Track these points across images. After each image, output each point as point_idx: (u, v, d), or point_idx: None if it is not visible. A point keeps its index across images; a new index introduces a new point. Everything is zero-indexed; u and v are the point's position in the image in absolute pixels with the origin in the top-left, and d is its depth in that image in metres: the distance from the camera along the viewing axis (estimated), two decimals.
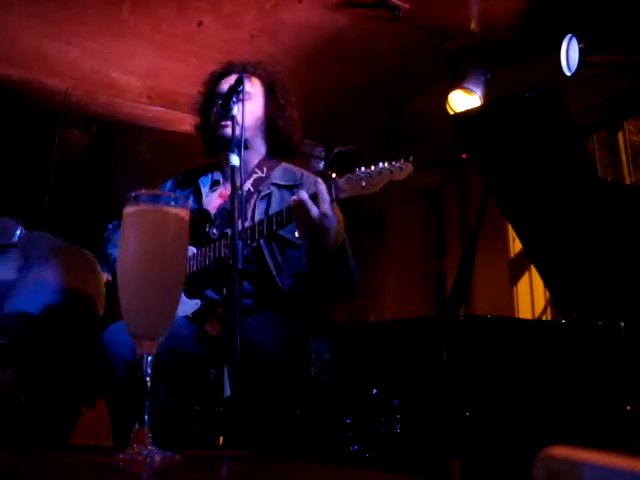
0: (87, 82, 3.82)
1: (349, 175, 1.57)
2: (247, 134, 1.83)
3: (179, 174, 2.06)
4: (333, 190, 1.56)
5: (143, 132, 4.33)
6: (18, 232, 2.69)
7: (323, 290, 1.76)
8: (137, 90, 3.94)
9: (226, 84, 1.83)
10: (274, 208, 1.82)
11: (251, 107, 1.88)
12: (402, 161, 1.54)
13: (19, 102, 3.88)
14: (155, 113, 4.17)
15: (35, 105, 3.94)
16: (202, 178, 1.98)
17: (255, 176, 1.92)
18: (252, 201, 1.87)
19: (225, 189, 1.91)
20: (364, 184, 1.54)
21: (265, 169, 1.93)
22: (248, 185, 1.90)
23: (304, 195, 1.53)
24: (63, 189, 3.77)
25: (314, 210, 1.52)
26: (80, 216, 3.59)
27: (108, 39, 3.42)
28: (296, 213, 1.55)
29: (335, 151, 3.90)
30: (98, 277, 2.44)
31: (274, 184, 1.90)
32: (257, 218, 1.81)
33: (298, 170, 1.98)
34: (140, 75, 3.80)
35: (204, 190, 1.94)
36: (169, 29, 3.32)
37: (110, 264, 1.96)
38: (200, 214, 1.87)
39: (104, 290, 2.43)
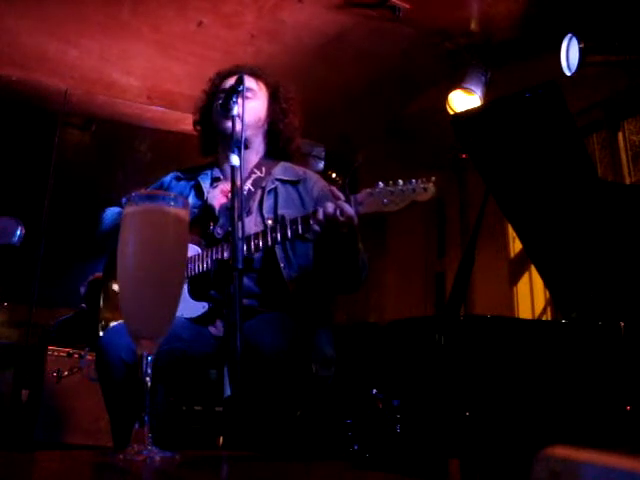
0: (87, 82, 3.82)
1: (369, 190, 1.58)
2: (248, 132, 1.83)
3: (178, 171, 2.06)
4: (353, 205, 1.57)
5: (143, 132, 4.34)
6: (18, 232, 2.69)
7: (333, 275, 1.77)
8: (137, 90, 3.94)
9: (230, 82, 1.84)
10: (281, 203, 1.84)
11: (254, 105, 1.88)
12: (424, 180, 1.55)
13: (19, 102, 3.89)
14: (154, 113, 4.17)
15: (35, 105, 3.94)
16: (202, 175, 1.98)
17: (254, 176, 1.93)
18: (256, 197, 1.88)
19: (225, 185, 1.92)
20: (385, 201, 1.55)
21: (264, 169, 1.94)
22: (248, 185, 1.90)
23: (329, 208, 1.57)
24: (63, 189, 3.77)
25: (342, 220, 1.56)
26: (80, 216, 3.59)
27: (108, 39, 3.42)
28: (329, 226, 1.58)
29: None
30: None
31: (278, 179, 1.91)
32: (265, 213, 1.82)
33: (299, 167, 1.99)
34: (140, 75, 3.80)
35: (205, 186, 1.94)
36: (169, 29, 3.32)
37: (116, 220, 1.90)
38: (204, 210, 1.87)
39: None
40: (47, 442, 2.84)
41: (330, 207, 1.57)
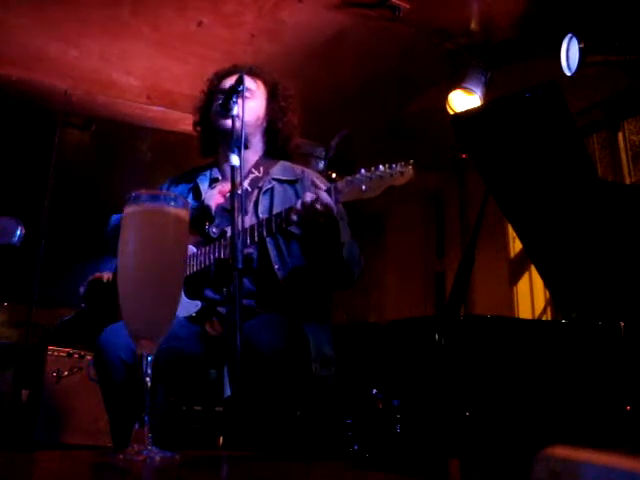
0: (87, 82, 3.82)
1: (349, 178, 1.57)
2: (247, 130, 1.83)
3: (174, 177, 2.07)
4: (333, 193, 1.56)
5: (143, 132, 4.33)
6: (18, 232, 2.69)
7: (320, 268, 1.76)
8: (137, 90, 3.94)
9: (229, 82, 1.84)
10: (277, 203, 1.83)
11: (253, 105, 1.88)
12: (402, 164, 1.54)
13: (19, 102, 3.88)
14: (155, 113, 4.17)
15: (35, 105, 3.93)
16: (200, 177, 1.99)
17: (252, 176, 1.93)
18: (252, 197, 1.88)
19: (223, 186, 1.92)
20: (364, 188, 1.54)
21: (262, 169, 1.95)
22: (245, 184, 1.90)
23: (307, 197, 1.55)
24: (63, 189, 3.77)
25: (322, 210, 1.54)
26: (80, 216, 3.59)
27: (108, 39, 3.42)
28: (308, 215, 1.56)
29: (333, 144, 3.85)
30: None
31: (275, 179, 1.91)
32: (260, 213, 1.82)
33: (297, 167, 1.99)
34: (140, 75, 3.80)
35: (203, 187, 1.95)
36: (169, 29, 3.32)
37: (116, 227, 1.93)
38: (201, 210, 1.87)
39: None
40: (47, 442, 2.84)
41: (308, 197, 1.56)
